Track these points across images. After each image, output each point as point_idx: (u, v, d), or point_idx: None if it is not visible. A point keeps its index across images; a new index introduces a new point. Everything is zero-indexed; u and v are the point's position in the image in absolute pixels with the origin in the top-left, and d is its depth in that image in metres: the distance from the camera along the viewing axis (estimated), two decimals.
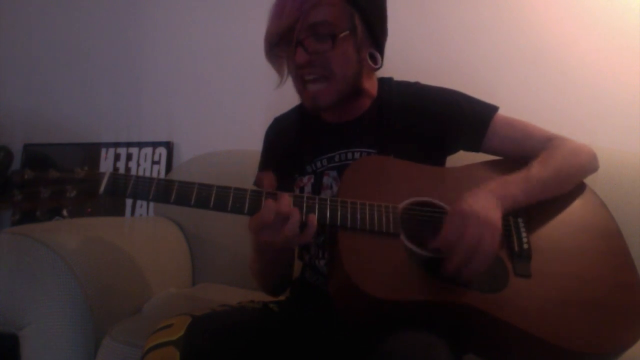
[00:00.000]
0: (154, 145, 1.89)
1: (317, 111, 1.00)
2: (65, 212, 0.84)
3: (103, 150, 1.94)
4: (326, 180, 1.01)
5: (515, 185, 0.88)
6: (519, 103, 1.33)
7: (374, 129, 1.02)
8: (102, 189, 0.81)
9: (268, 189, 0.84)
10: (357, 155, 1.00)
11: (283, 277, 1.04)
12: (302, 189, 1.03)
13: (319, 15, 0.90)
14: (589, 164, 1.00)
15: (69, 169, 0.82)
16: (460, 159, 1.05)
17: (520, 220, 0.91)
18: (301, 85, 0.96)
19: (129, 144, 1.92)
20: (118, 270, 1.23)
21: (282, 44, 0.94)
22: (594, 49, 1.48)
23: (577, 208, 0.96)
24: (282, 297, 1.09)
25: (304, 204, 0.84)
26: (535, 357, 0.81)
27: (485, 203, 0.81)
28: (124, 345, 1.03)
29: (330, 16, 0.91)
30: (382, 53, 1.01)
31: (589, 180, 1.01)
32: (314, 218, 0.81)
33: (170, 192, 0.82)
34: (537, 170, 0.91)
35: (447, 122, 1.01)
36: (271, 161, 1.11)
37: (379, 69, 1.02)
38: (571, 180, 0.97)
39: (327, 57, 0.92)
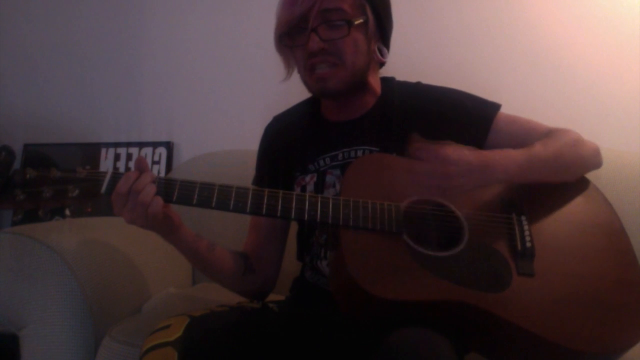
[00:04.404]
0: (154, 145, 1.89)
1: (324, 96, 1.00)
2: (68, 212, 0.84)
3: (103, 150, 1.93)
4: (329, 178, 1.00)
5: (515, 164, 0.88)
6: (519, 103, 1.33)
7: (377, 128, 1.01)
8: (103, 188, 0.82)
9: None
10: (359, 153, 1.00)
11: (243, 279, 1.02)
12: (304, 188, 1.02)
13: (332, 3, 0.91)
14: (591, 157, 0.99)
15: (70, 168, 0.82)
16: None
17: (523, 218, 0.91)
18: (309, 71, 0.96)
19: (129, 144, 1.92)
20: (118, 270, 1.23)
21: (293, 32, 0.94)
22: (594, 49, 1.48)
23: (580, 205, 0.95)
24: (281, 297, 1.09)
25: (307, 203, 0.83)
26: (539, 356, 0.81)
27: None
28: (124, 345, 1.03)
29: (344, 4, 0.92)
30: (388, 48, 1.02)
31: (590, 179, 1.01)
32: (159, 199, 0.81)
33: (172, 191, 0.82)
34: (538, 150, 0.90)
35: (450, 121, 1.01)
36: (270, 160, 1.10)
37: (385, 63, 1.03)
38: (571, 168, 0.96)
39: (340, 44, 0.92)
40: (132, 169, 0.84)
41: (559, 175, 0.94)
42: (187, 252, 0.95)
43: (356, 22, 0.92)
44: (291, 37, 0.95)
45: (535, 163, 0.89)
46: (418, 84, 1.08)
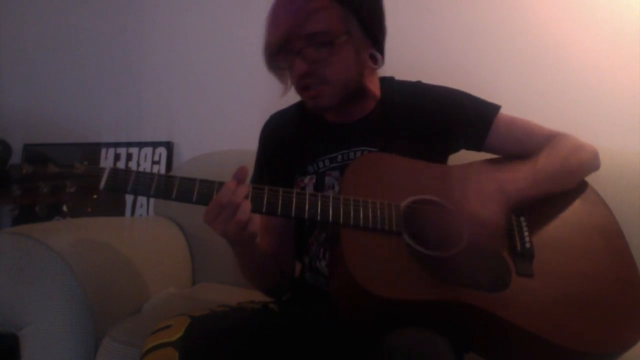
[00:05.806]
0: (154, 145, 1.89)
1: (319, 112, 1.00)
2: (65, 208, 0.83)
3: (103, 150, 1.94)
4: (328, 180, 1.00)
5: (524, 180, 0.89)
6: (519, 103, 1.33)
7: (376, 129, 1.01)
8: (102, 184, 0.81)
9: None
10: (358, 154, 1.00)
11: (278, 279, 1.03)
12: (303, 189, 1.02)
13: (314, 25, 0.89)
14: (591, 161, 1.00)
15: (68, 164, 0.81)
16: (462, 158, 1.05)
17: (522, 219, 0.91)
18: (303, 91, 0.96)
19: (129, 144, 1.92)
20: (118, 270, 1.23)
21: (282, 53, 0.93)
22: (594, 49, 1.48)
23: (578, 207, 0.96)
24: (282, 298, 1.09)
25: (307, 201, 0.83)
26: (538, 356, 0.81)
27: (490, 206, 0.83)
28: (124, 345, 1.03)
29: (326, 24, 0.90)
30: (382, 52, 1.01)
31: (589, 180, 1.01)
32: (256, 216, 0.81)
33: (172, 188, 0.82)
34: (543, 163, 0.91)
35: (449, 121, 1.00)
36: (268, 159, 1.10)
37: (379, 68, 1.02)
38: (574, 176, 0.97)
39: (325, 64, 0.91)
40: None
41: (562, 186, 0.95)
42: (245, 256, 0.94)
43: (338, 41, 0.91)
44: (281, 57, 0.94)
45: (540, 180, 0.90)
46: (418, 83, 1.07)
